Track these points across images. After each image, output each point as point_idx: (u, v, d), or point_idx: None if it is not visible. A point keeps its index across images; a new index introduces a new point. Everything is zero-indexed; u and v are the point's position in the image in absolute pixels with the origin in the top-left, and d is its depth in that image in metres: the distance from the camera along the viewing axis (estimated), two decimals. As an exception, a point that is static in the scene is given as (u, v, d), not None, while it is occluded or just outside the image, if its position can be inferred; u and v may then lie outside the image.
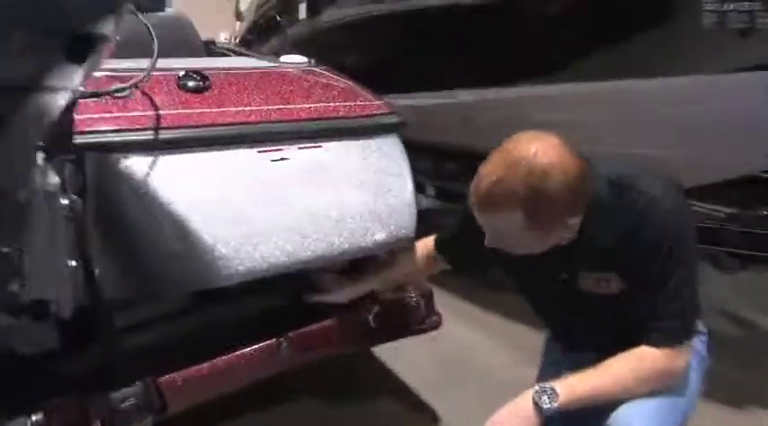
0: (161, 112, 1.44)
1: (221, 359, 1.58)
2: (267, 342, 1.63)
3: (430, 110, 2.83)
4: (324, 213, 1.48)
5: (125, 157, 1.38)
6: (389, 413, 2.07)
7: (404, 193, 1.59)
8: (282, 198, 1.45)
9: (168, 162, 1.41)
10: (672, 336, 1.17)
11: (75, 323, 1.38)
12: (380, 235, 1.54)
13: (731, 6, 1.73)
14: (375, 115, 1.66)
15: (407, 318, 1.80)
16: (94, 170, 1.36)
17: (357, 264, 1.72)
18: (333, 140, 1.58)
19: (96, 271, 1.38)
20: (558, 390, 1.14)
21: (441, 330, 1.82)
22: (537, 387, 1.16)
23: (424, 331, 1.83)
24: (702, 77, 1.86)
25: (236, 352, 1.60)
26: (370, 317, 1.75)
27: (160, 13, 1.89)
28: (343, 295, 1.66)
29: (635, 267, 1.18)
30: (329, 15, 3.42)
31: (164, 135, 1.41)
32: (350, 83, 1.81)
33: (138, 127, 1.40)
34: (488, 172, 1.11)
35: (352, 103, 1.67)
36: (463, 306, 2.82)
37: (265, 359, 1.63)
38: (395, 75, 2.71)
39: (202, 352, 1.57)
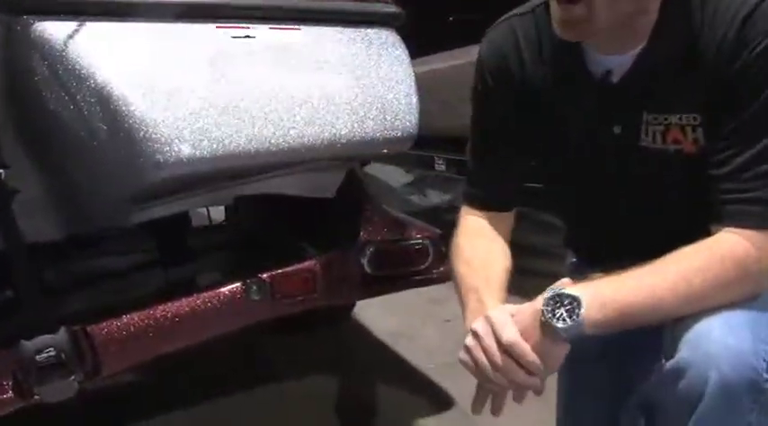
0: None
1: (172, 306, 1.25)
2: (231, 286, 1.30)
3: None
4: (296, 98, 1.15)
5: (42, 21, 1.06)
6: (403, 396, 1.78)
7: (403, 86, 1.27)
8: (241, 77, 1.13)
9: (98, 31, 1.09)
10: (763, 213, 0.77)
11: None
12: (373, 131, 1.21)
13: None
14: (368, 1, 1.34)
15: (411, 264, 1.44)
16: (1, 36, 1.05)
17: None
18: (314, 24, 1.26)
19: (2, 173, 1.07)
20: (583, 298, 0.74)
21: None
22: (548, 295, 0.75)
23: (430, 281, 1.47)
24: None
25: (192, 297, 1.27)
26: (365, 261, 1.40)
27: None
28: None
29: (730, 97, 0.78)
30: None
31: (94, -3, 1.10)
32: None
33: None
34: None
35: (341, -12, 1.36)
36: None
37: (229, 307, 1.29)
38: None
39: (148, 297, 1.27)
